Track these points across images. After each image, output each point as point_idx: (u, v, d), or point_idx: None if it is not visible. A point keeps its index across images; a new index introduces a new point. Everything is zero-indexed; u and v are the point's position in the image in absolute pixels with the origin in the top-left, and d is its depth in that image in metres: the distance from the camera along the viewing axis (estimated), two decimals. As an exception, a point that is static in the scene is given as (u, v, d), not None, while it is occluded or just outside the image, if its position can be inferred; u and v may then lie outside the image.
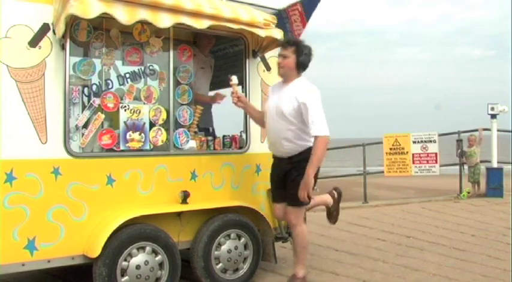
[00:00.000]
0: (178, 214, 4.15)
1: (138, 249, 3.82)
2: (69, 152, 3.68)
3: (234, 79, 4.21)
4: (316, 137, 3.91)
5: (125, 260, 3.76)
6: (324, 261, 5.24)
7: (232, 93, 4.25)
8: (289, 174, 4.12)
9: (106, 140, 3.91)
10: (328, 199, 4.81)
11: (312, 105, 3.90)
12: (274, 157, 4.29)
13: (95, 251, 3.63)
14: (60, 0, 3.48)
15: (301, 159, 4.02)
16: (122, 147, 3.98)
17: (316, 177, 4.05)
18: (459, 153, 10.26)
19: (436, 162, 9.62)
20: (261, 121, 4.40)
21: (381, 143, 9.96)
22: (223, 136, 4.68)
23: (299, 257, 4.22)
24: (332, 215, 4.85)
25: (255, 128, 4.63)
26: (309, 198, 4.01)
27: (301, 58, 4.01)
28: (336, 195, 4.84)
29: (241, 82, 4.69)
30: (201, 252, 4.16)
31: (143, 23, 4.01)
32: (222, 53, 5.37)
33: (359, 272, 4.87)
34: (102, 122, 3.97)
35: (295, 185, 4.00)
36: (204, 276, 4.17)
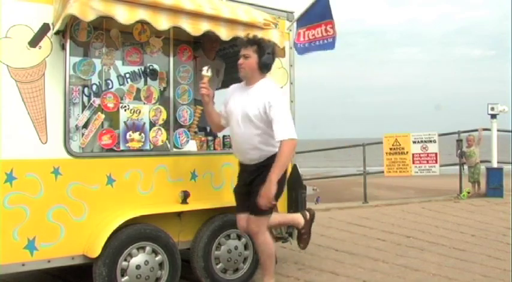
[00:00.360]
0: (178, 214, 4.15)
1: (138, 249, 3.82)
2: (69, 152, 3.68)
3: (208, 71, 3.88)
4: (281, 142, 3.62)
5: (125, 260, 3.76)
6: (324, 261, 5.24)
7: (203, 83, 3.85)
8: (253, 182, 3.79)
9: (106, 140, 3.91)
10: (298, 219, 4.30)
11: (277, 108, 3.62)
12: (240, 164, 3.99)
13: (95, 251, 3.63)
14: (60, 0, 3.49)
15: (267, 165, 3.69)
16: (122, 147, 3.98)
17: (282, 183, 3.76)
18: (459, 154, 10.26)
19: (436, 162, 9.62)
20: (215, 124, 4.09)
21: (381, 143, 9.96)
22: (223, 136, 4.67)
23: (265, 266, 3.92)
24: (302, 237, 4.32)
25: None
26: (272, 205, 3.71)
27: (264, 58, 3.71)
28: (308, 217, 4.33)
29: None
30: (201, 252, 4.16)
31: (143, 23, 4.01)
32: (222, 53, 5.37)
33: (359, 272, 4.87)
34: (102, 122, 3.97)
35: (257, 194, 3.69)
36: (204, 276, 4.17)
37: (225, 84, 5.35)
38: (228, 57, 5.31)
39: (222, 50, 5.34)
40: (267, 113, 3.64)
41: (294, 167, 4.83)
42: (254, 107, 3.68)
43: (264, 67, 3.76)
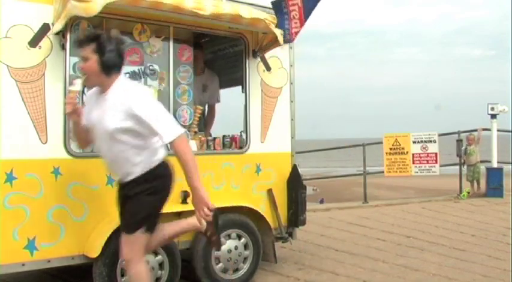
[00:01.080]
0: (178, 214, 4.14)
1: (138, 249, 3.81)
2: (69, 152, 3.68)
3: (76, 84, 3.17)
4: (172, 143, 3.02)
5: (125, 260, 3.76)
6: (324, 261, 5.24)
7: (70, 98, 3.16)
8: (126, 197, 3.23)
9: (106, 140, 3.89)
10: (194, 222, 3.42)
11: (146, 110, 3.00)
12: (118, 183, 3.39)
13: (95, 251, 3.63)
14: (60, 0, 3.48)
15: (141, 179, 3.15)
16: (122, 147, 3.96)
17: (163, 190, 3.20)
18: (463, 150, 10.23)
19: (436, 162, 9.61)
20: (84, 142, 3.41)
21: (381, 143, 9.95)
22: (223, 136, 4.67)
23: None
24: (211, 239, 3.61)
25: (255, 128, 4.62)
26: (211, 213, 3.14)
27: (105, 57, 3.02)
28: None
29: (242, 82, 4.69)
30: (201, 252, 4.16)
31: (143, 23, 4.02)
32: (222, 53, 5.37)
33: (359, 272, 4.87)
34: (102, 122, 3.96)
35: (129, 206, 3.18)
36: (204, 276, 4.17)
37: (225, 85, 5.37)
38: (228, 57, 5.31)
39: (223, 50, 5.34)
40: (132, 124, 3.02)
41: (294, 167, 4.83)
42: (114, 121, 3.03)
43: (108, 68, 3.06)
